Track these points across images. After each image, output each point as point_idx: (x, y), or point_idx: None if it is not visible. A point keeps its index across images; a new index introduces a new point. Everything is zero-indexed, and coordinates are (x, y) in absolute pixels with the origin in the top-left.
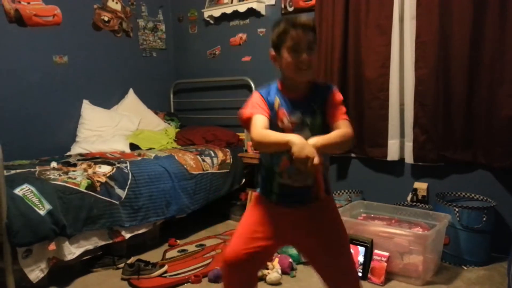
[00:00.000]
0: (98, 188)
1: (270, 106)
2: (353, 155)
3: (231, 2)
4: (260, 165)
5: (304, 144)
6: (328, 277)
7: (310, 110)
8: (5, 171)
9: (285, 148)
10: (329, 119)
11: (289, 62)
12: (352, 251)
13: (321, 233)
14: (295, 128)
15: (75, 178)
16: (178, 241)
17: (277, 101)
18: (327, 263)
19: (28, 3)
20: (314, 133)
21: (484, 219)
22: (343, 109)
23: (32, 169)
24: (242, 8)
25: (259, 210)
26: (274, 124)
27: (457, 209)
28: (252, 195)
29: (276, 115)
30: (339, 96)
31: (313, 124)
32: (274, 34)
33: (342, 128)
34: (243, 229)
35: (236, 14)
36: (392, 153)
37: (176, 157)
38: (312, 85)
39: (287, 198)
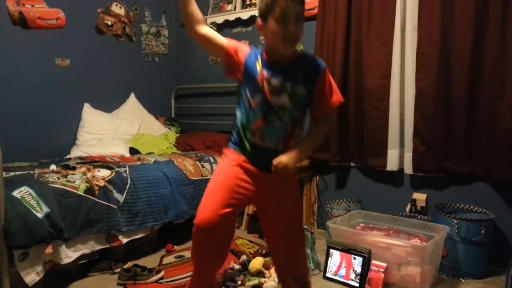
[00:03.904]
0: (97, 192)
1: (251, 64)
2: (352, 164)
3: (234, 9)
4: (235, 123)
5: None
6: (278, 252)
7: (292, 77)
8: (4, 173)
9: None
10: (318, 105)
11: (276, 32)
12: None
13: (283, 207)
14: (274, 92)
15: (73, 182)
16: (176, 247)
17: (258, 64)
18: (280, 237)
19: (32, 6)
20: (293, 101)
21: (483, 231)
22: (335, 95)
23: (31, 172)
24: (245, 15)
25: (234, 165)
26: (254, 84)
27: (455, 221)
28: (224, 151)
29: (257, 76)
30: (331, 80)
31: (293, 92)
32: (263, 3)
33: (323, 124)
34: (221, 183)
35: (239, 21)
36: (392, 163)
37: (175, 162)
38: (299, 55)
39: (257, 159)
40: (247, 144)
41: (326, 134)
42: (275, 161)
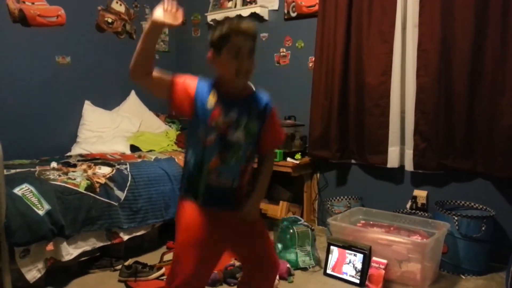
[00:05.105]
0: (98, 189)
1: (202, 104)
2: (353, 161)
3: (235, 7)
4: (186, 166)
5: None
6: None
7: (246, 112)
8: (5, 171)
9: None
10: (264, 142)
11: (229, 66)
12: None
13: (248, 242)
14: (229, 127)
15: (74, 179)
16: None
17: (211, 99)
18: (253, 270)
19: (33, 3)
20: (248, 136)
21: (483, 228)
22: (279, 135)
23: (32, 169)
24: (245, 12)
25: (191, 216)
26: (206, 122)
27: (456, 218)
28: (179, 204)
29: (210, 113)
30: (278, 120)
31: (248, 128)
32: (216, 35)
33: (269, 163)
34: (188, 240)
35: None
36: (392, 160)
37: (176, 160)
38: (251, 91)
39: (212, 201)
40: (201, 186)
41: (271, 170)
42: (240, 215)
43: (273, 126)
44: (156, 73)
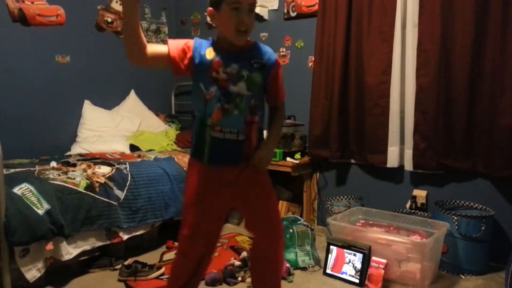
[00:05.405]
0: (97, 189)
1: (200, 56)
2: (352, 161)
3: None
4: (193, 127)
5: None
6: (256, 226)
7: (248, 65)
8: (4, 170)
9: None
10: (272, 95)
11: (229, 22)
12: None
13: (255, 205)
14: (230, 79)
15: (74, 178)
16: (176, 243)
17: (211, 52)
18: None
19: (32, 2)
20: (250, 88)
21: (483, 228)
22: (283, 88)
23: (31, 168)
24: None
25: (197, 178)
26: (207, 75)
27: (455, 218)
28: (188, 163)
29: (210, 65)
30: (281, 73)
31: (250, 79)
32: None
33: (281, 114)
34: (191, 201)
35: None
36: (392, 160)
37: (175, 159)
38: (253, 43)
39: (218, 156)
40: (207, 141)
41: (283, 121)
42: (253, 162)
43: (278, 79)
44: (151, 49)
